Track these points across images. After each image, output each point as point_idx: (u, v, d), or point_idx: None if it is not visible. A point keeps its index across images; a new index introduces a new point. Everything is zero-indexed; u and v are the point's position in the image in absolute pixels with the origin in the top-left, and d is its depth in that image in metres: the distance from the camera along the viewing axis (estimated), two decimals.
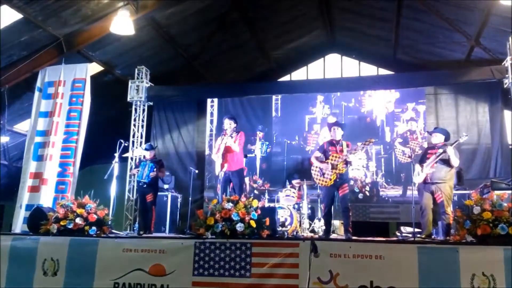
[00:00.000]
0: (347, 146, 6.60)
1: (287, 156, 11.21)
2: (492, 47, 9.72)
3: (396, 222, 9.44)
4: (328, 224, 6.75)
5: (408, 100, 10.70)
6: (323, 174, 6.51)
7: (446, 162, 6.35)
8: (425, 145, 9.45)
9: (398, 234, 7.50)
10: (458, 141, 6.58)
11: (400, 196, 10.02)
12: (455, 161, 6.34)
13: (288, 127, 11.48)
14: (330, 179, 6.46)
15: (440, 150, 6.41)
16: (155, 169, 7.90)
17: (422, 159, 6.66)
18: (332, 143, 6.71)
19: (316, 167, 6.64)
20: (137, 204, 9.44)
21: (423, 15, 10.02)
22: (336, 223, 8.56)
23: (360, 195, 10.07)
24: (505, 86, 8.92)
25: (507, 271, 4.46)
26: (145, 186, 7.91)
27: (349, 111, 11.26)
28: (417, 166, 6.60)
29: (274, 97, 11.68)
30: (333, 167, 6.46)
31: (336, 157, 6.50)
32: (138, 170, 8.05)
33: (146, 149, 8.42)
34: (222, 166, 7.03)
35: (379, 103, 11.00)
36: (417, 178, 6.63)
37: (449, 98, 9.86)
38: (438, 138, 6.59)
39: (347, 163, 6.50)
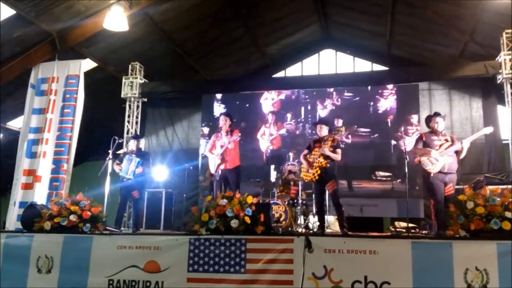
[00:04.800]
0: (333, 141, 6.55)
1: None
2: (486, 42, 9.75)
3: (390, 217, 9.47)
4: (321, 220, 6.76)
5: None
6: (307, 170, 6.60)
7: (456, 152, 6.00)
8: None
9: (392, 229, 7.54)
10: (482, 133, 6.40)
11: None
12: (463, 155, 6.02)
13: None
14: (313, 174, 6.47)
15: (448, 137, 6.06)
16: (141, 165, 7.49)
17: (427, 145, 6.06)
18: (317, 140, 6.76)
19: (303, 165, 6.78)
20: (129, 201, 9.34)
21: (418, 10, 10.04)
22: (331, 218, 8.58)
23: None
24: (498, 81, 8.97)
25: (500, 266, 4.48)
26: (129, 181, 7.45)
27: None
28: (433, 152, 5.93)
29: None
30: (312, 162, 6.51)
31: (315, 151, 6.55)
32: (121, 168, 7.51)
33: (133, 137, 8.03)
34: (219, 164, 7.04)
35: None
36: (435, 167, 5.90)
37: (443, 93, 9.87)
38: (441, 125, 6.18)
39: (328, 157, 6.45)
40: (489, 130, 6.23)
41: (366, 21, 11.56)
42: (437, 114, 6.31)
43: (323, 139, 6.64)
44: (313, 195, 7.97)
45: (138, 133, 10.09)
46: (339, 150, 6.54)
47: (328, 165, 6.43)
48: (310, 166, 6.51)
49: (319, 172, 6.44)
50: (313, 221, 8.15)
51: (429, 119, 6.34)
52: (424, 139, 6.13)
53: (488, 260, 4.54)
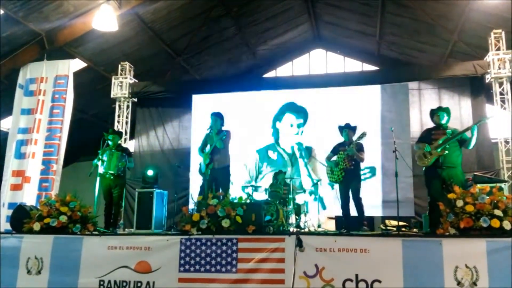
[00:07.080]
0: (357, 144, 6.79)
1: None
2: (474, 42, 9.84)
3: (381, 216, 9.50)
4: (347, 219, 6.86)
5: None
6: (332, 171, 6.85)
7: (460, 144, 5.99)
8: None
9: (383, 227, 7.57)
10: (482, 121, 6.54)
11: None
12: (473, 143, 5.97)
13: None
14: (338, 176, 6.74)
15: (449, 131, 5.97)
16: (124, 160, 7.21)
17: (424, 140, 6.13)
18: (342, 144, 6.99)
19: (328, 166, 7.00)
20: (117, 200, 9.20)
21: (407, 10, 10.11)
22: (322, 218, 8.60)
23: None
24: (487, 81, 9.06)
25: (489, 263, 4.51)
26: (112, 178, 7.15)
27: None
28: (421, 145, 6.04)
29: None
30: (337, 164, 6.77)
31: (341, 154, 6.77)
32: (104, 161, 7.12)
33: (114, 132, 7.56)
34: (208, 164, 6.99)
35: None
36: (425, 161, 5.97)
37: (432, 92, 9.92)
38: (443, 119, 6.14)
39: (352, 159, 6.67)
40: (487, 118, 6.68)
41: (356, 21, 11.61)
42: (439, 109, 6.37)
43: (348, 143, 6.88)
44: (339, 196, 8.02)
45: (132, 138, 10.00)
46: (363, 152, 6.84)
47: (353, 167, 6.70)
48: (337, 165, 6.75)
49: (343, 174, 6.69)
50: (304, 220, 8.17)
51: (432, 114, 6.39)
52: (424, 134, 6.34)
53: (477, 257, 4.57)
